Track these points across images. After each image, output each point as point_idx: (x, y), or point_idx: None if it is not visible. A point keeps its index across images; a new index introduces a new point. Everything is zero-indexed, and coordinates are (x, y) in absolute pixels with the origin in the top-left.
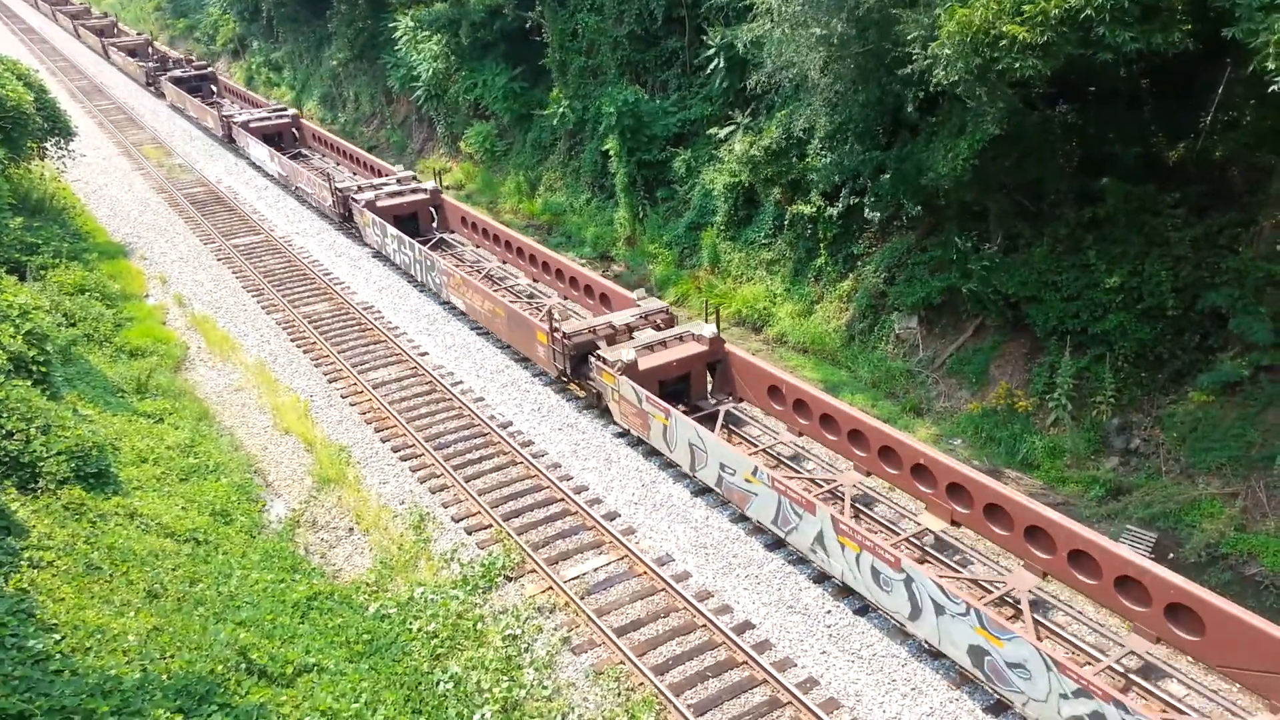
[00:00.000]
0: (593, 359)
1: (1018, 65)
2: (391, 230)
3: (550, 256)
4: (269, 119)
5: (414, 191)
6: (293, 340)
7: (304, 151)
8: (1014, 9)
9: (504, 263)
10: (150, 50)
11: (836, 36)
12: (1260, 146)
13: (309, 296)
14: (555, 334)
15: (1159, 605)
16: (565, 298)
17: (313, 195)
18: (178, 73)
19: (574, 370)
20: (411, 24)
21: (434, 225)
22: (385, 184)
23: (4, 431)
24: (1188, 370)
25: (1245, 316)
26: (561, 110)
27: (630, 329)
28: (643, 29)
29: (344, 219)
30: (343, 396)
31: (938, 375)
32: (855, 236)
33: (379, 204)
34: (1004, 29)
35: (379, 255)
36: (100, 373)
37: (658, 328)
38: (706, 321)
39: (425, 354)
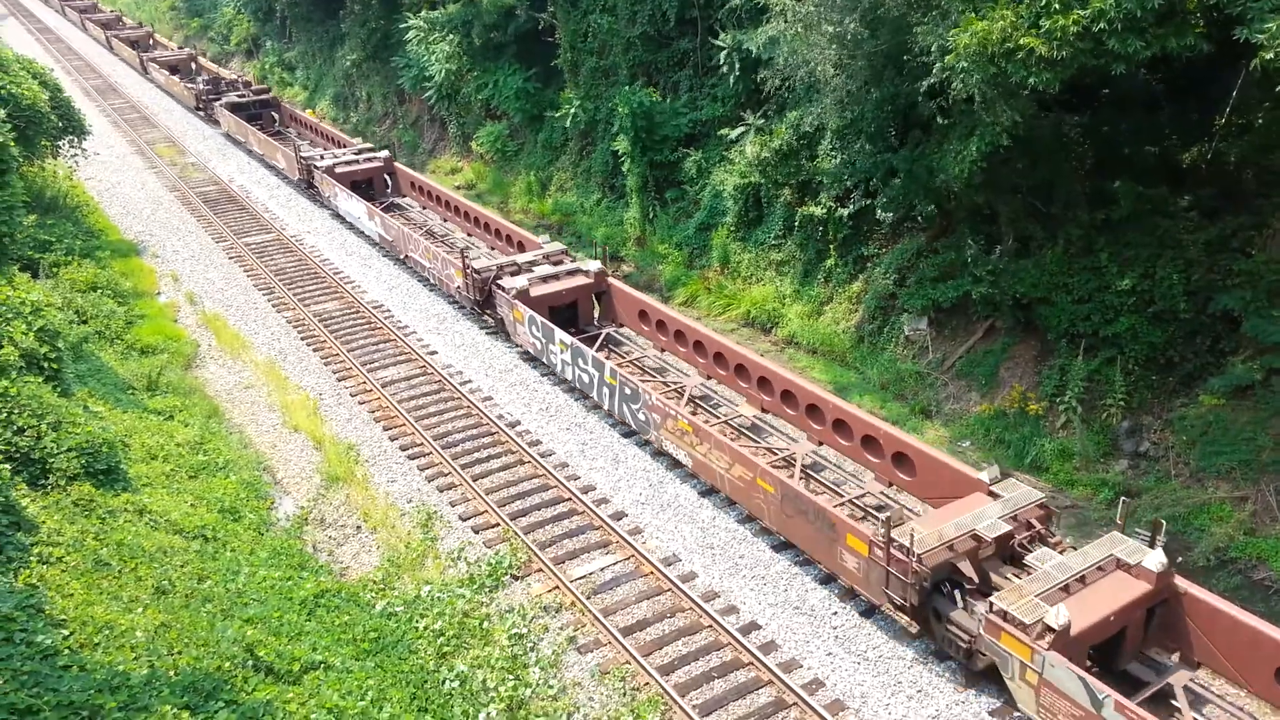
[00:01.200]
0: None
1: (1033, 78)
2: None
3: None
4: (356, 162)
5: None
6: (302, 338)
7: (398, 202)
8: (1030, 22)
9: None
10: (194, 67)
11: (849, 35)
12: (1273, 149)
13: (319, 295)
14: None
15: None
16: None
17: (434, 271)
18: (234, 97)
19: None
20: (424, 25)
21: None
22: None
23: (15, 428)
24: (1199, 373)
25: (1258, 319)
26: (573, 111)
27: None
28: (655, 30)
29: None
30: (352, 395)
31: (947, 377)
32: (865, 238)
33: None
34: (1020, 41)
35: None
36: (111, 370)
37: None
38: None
39: (434, 353)
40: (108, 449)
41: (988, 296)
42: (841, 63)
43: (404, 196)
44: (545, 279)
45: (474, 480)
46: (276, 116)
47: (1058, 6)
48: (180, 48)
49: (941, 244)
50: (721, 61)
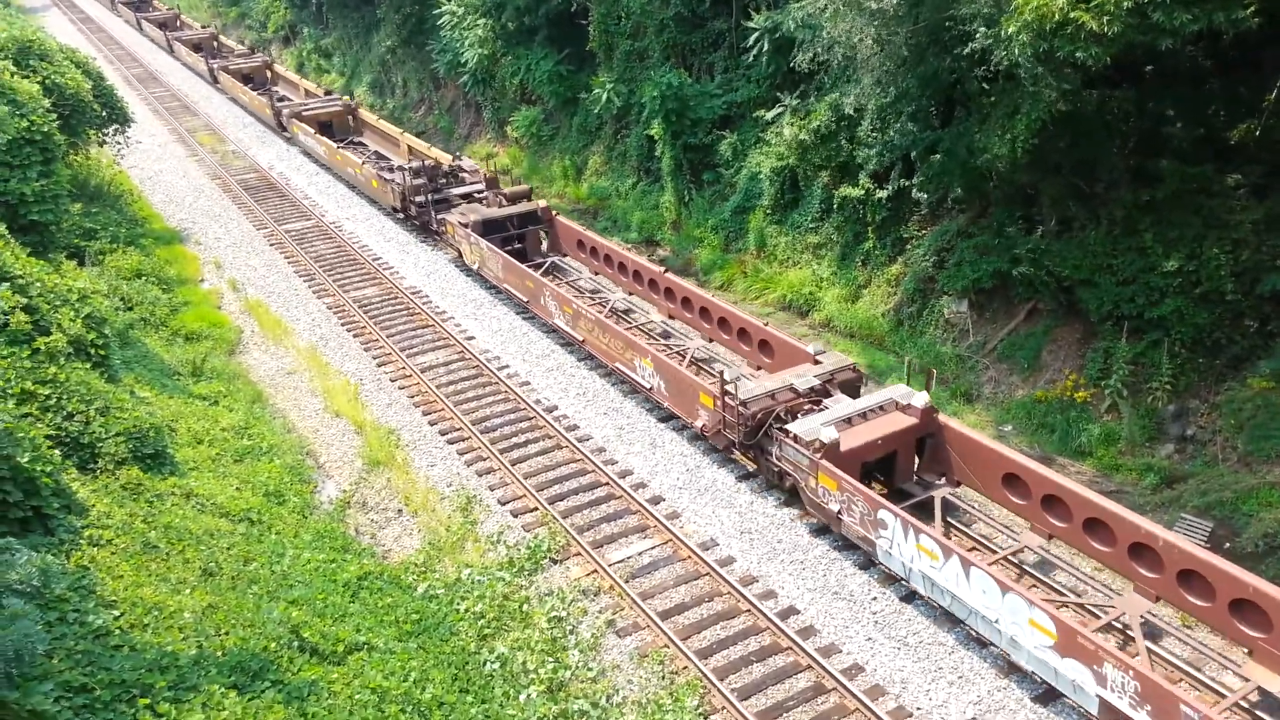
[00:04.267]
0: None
1: (1080, 53)
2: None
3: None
4: (508, 211)
5: (330, 104)
6: (343, 324)
7: (559, 262)
8: None
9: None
10: (269, 75)
11: (890, 9)
12: None
13: (358, 281)
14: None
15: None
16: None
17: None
18: (314, 107)
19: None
20: (458, 9)
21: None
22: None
23: (65, 413)
24: (1247, 356)
25: None
26: (606, 94)
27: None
28: (689, 11)
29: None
30: (391, 380)
31: (989, 360)
32: (904, 219)
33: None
34: (1072, 16)
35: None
36: (157, 356)
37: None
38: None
39: (472, 338)
40: (155, 434)
41: (1029, 277)
42: (881, 40)
43: (564, 256)
44: (851, 420)
45: (513, 465)
46: (353, 120)
47: None
48: (250, 48)
49: (981, 225)
50: (752, 43)
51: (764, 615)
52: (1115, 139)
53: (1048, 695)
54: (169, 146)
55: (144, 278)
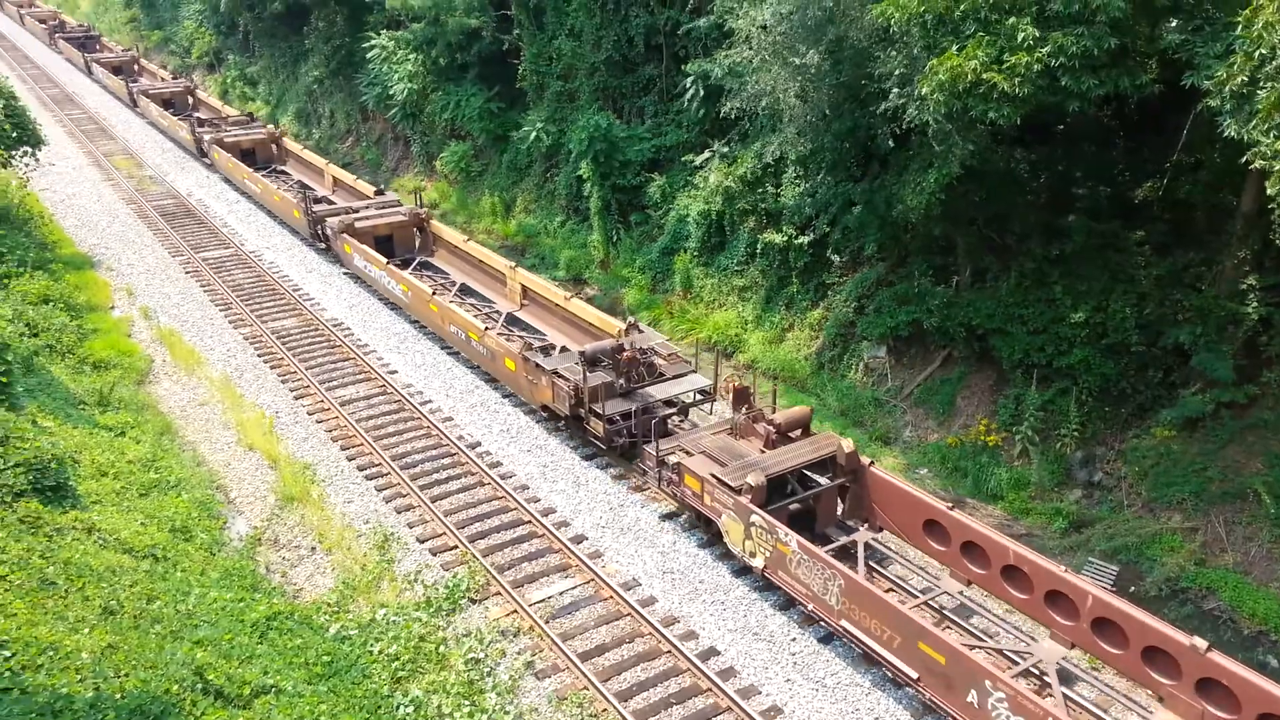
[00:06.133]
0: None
1: (992, 113)
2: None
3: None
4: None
5: (253, 131)
6: (259, 355)
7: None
8: (994, 58)
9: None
10: (191, 100)
11: (812, 67)
12: (1222, 188)
13: (277, 312)
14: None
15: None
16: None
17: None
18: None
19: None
20: (388, 43)
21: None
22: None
23: None
24: (1151, 405)
25: (1207, 353)
26: (536, 133)
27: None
28: (620, 55)
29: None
30: (309, 414)
31: (906, 405)
32: (826, 266)
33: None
34: (985, 77)
35: (351, 275)
36: (62, 384)
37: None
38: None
39: (394, 372)
40: (56, 465)
41: (940, 327)
42: (804, 93)
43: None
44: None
45: (433, 502)
46: (422, 231)
47: (1031, 43)
48: (249, 117)
49: (900, 274)
50: (687, 88)
51: (685, 656)
52: (1026, 194)
53: None
54: (84, 170)
55: (52, 304)
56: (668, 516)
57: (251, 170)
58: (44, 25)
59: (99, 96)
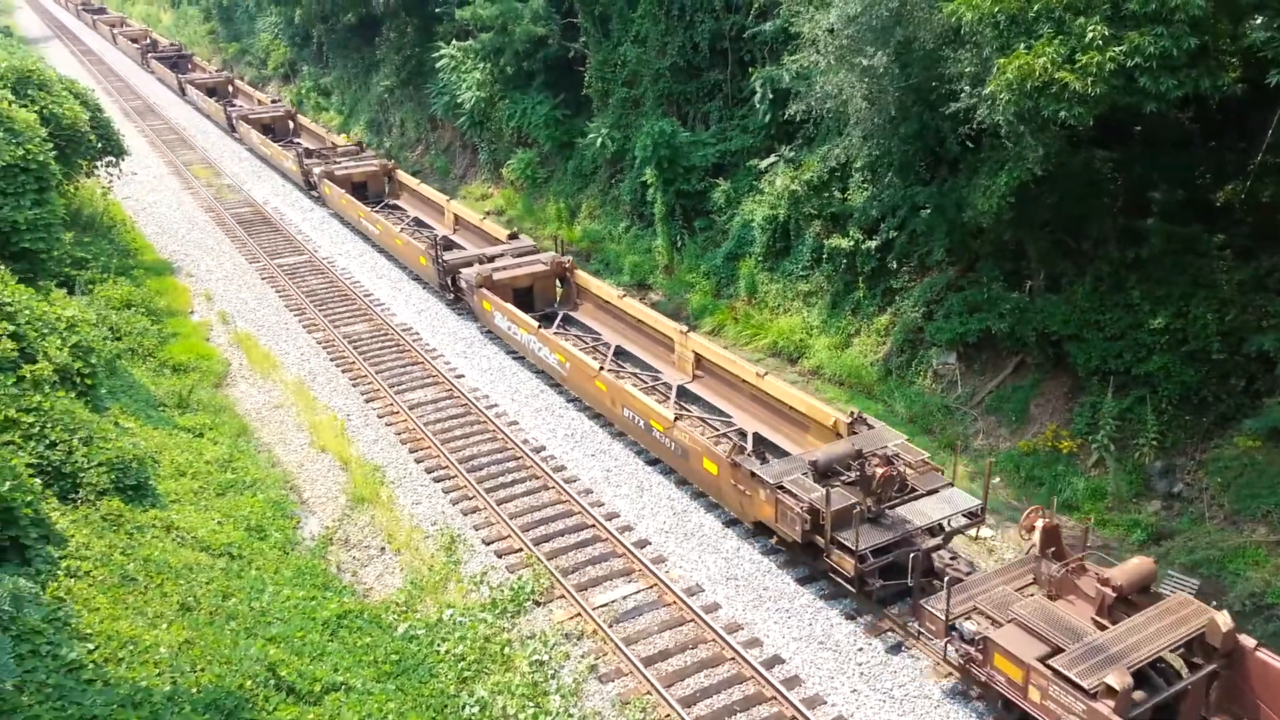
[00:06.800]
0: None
1: (1064, 112)
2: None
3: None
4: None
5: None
6: (332, 359)
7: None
8: (1066, 57)
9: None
10: (389, 182)
11: (880, 69)
12: None
13: (349, 317)
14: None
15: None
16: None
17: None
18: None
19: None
20: (457, 53)
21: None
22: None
23: (47, 442)
24: (1233, 414)
25: None
26: (601, 139)
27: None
28: (685, 61)
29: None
30: (379, 416)
31: (977, 412)
32: (894, 271)
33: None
34: (1057, 76)
35: (416, 277)
36: (143, 386)
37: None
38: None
39: (461, 376)
40: (138, 465)
41: (1012, 332)
42: (871, 96)
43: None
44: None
45: (498, 504)
46: (566, 282)
47: (1100, 42)
48: (357, 144)
49: (969, 279)
50: (754, 92)
51: (748, 664)
52: (1103, 198)
53: None
54: (164, 179)
55: (134, 308)
56: (731, 522)
57: (368, 209)
58: (136, 45)
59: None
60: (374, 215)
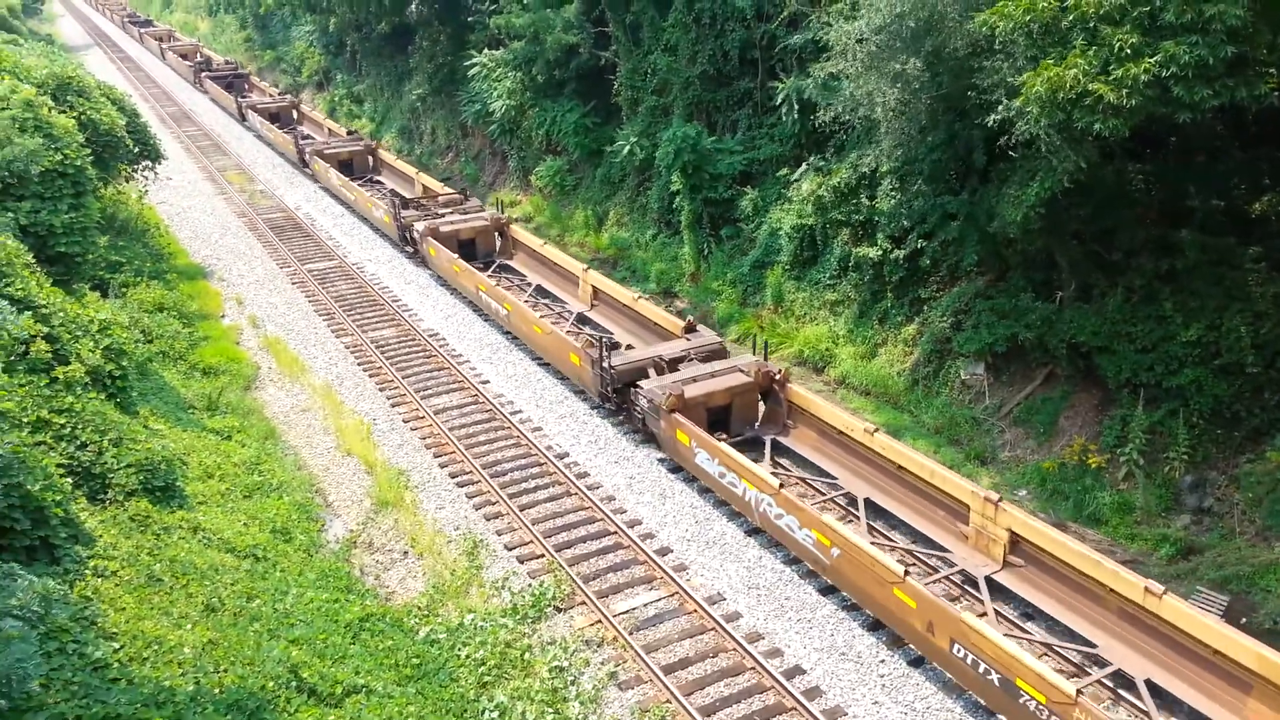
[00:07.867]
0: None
1: (1098, 125)
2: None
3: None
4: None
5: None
6: (359, 364)
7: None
8: (1100, 69)
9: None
10: (499, 237)
11: (911, 76)
12: None
13: (377, 322)
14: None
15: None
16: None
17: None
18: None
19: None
20: (488, 62)
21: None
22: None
23: (78, 442)
24: (1266, 429)
25: None
26: (629, 147)
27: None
28: (715, 70)
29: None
30: (404, 421)
31: (1004, 424)
32: (922, 281)
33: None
34: (1090, 88)
35: (443, 283)
36: (173, 389)
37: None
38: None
39: (486, 382)
40: (166, 466)
41: (1040, 343)
42: (902, 104)
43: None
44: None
45: (521, 510)
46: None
47: (1129, 53)
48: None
49: (999, 288)
50: (780, 102)
51: (769, 674)
52: (1135, 209)
53: None
54: (198, 184)
55: (166, 311)
56: (753, 532)
57: (490, 282)
58: (187, 62)
59: (213, 113)
60: (501, 293)
